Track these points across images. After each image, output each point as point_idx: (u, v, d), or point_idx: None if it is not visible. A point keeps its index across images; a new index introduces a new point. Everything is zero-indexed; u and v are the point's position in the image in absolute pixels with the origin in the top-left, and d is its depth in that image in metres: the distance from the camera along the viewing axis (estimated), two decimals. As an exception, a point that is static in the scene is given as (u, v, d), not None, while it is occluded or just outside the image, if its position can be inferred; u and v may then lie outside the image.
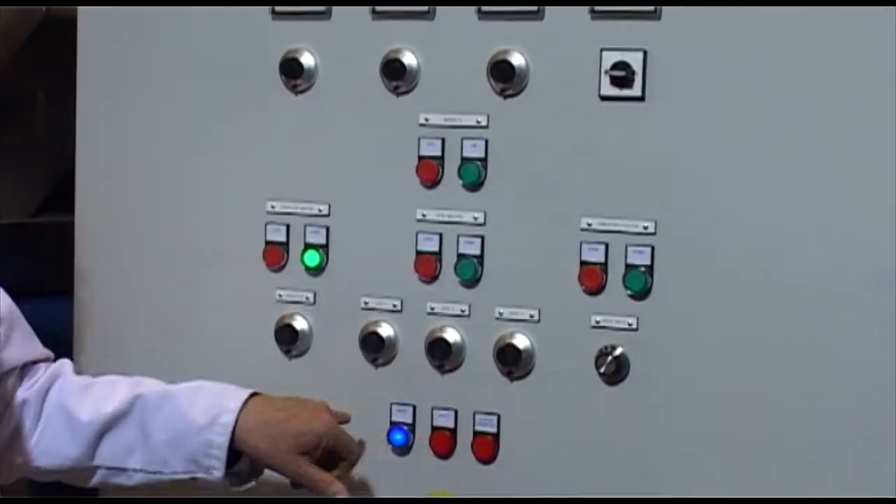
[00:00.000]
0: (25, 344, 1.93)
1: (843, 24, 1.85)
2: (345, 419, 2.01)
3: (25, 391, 1.93)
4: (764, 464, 1.91)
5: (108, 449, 1.93)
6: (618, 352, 1.97)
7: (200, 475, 1.91)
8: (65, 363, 1.99)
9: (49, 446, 1.93)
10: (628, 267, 1.96)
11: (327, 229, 2.12)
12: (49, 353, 1.98)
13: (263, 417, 1.91)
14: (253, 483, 1.97)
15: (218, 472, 1.90)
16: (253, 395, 1.93)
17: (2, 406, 1.91)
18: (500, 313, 2.03)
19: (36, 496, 2.49)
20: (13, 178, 2.69)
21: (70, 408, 1.93)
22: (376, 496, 2.12)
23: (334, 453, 1.95)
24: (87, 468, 1.94)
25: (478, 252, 2.04)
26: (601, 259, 1.98)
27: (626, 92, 1.95)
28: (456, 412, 2.07)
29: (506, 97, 2.02)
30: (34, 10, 2.53)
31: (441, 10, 2.03)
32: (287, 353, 2.15)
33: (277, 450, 1.90)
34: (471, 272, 2.04)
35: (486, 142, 2.03)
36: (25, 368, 1.95)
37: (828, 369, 1.88)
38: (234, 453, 1.91)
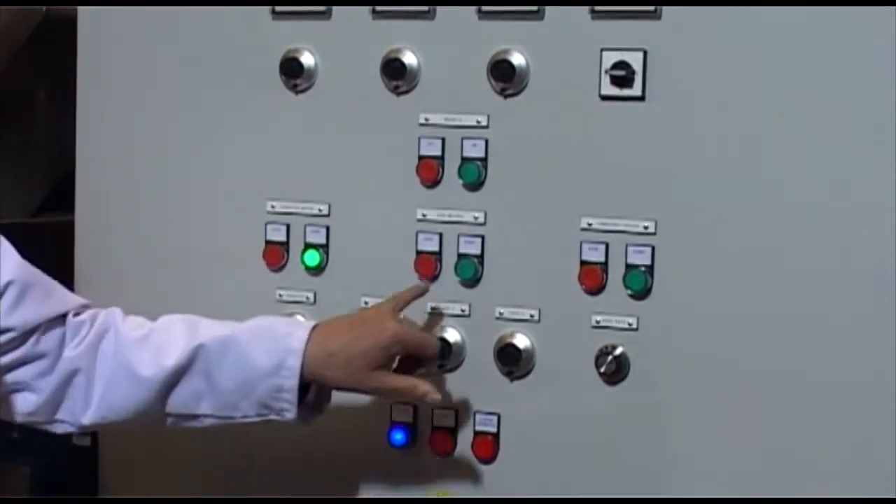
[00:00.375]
0: (45, 302, 1.88)
1: (844, 24, 1.85)
2: (419, 293, 2.00)
3: (73, 350, 1.90)
4: (764, 464, 1.91)
5: (177, 398, 1.91)
6: (618, 351, 1.97)
7: (273, 417, 1.91)
8: (113, 314, 1.94)
9: (115, 403, 1.90)
10: (628, 267, 1.96)
11: (327, 229, 2.12)
12: (83, 302, 1.93)
13: (327, 349, 1.89)
14: (322, 413, 1.96)
15: (290, 414, 1.90)
16: (314, 327, 1.92)
17: (46, 363, 1.88)
18: (501, 313, 2.03)
19: (36, 496, 2.49)
20: (13, 178, 2.69)
21: (131, 363, 1.89)
22: (377, 496, 2.12)
23: (412, 355, 1.95)
24: (158, 416, 1.92)
25: (478, 252, 2.04)
26: (601, 259, 1.98)
27: (626, 92, 1.95)
28: (456, 412, 2.07)
29: (506, 97, 2.02)
30: (34, 10, 2.53)
31: (441, 10, 2.03)
32: (288, 352, 2.14)
33: (350, 374, 1.89)
34: (471, 272, 2.04)
35: (487, 141, 2.03)
36: (68, 324, 1.90)
37: (828, 369, 1.88)
38: (303, 387, 1.91)
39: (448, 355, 2.05)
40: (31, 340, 1.86)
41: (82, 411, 1.90)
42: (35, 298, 1.86)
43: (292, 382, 1.88)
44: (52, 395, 1.89)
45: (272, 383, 1.88)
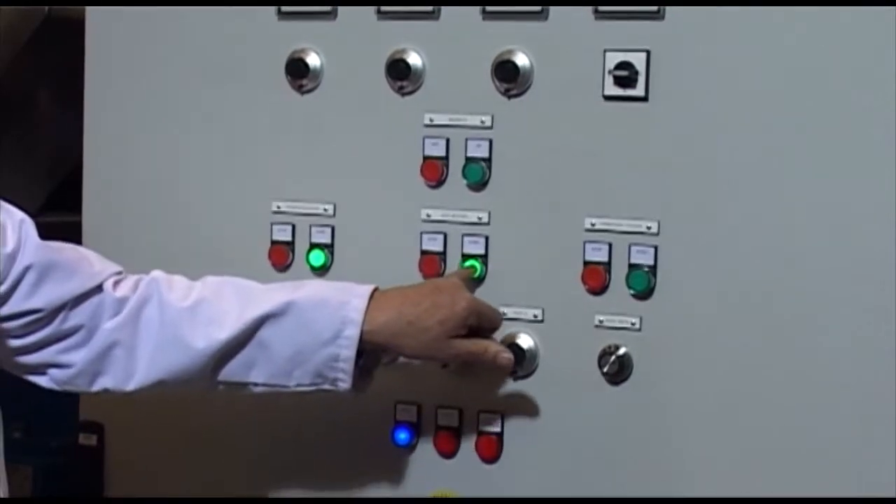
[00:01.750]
0: (67, 281, 1.86)
1: (845, 25, 1.85)
2: (470, 275, 2.02)
3: (111, 322, 1.88)
4: (766, 463, 1.91)
5: (229, 368, 1.90)
6: (621, 351, 1.98)
7: (326, 387, 1.91)
8: (156, 280, 1.92)
9: (165, 369, 1.88)
10: (632, 267, 1.96)
11: (332, 229, 2.12)
12: (112, 271, 1.91)
13: (403, 318, 1.90)
14: (371, 381, 1.96)
15: (345, 384, 1.90)
16: (375, 292, 1.91)
17: (78, 339, 1.87)
18: (504, 313, 2.03)
19: (37, 496, 2.49)
20: (15, 177, 2.68)
21: (181, 334, 1.88)
22: (380, 495, 2.12)
23: (480, 327, 1.96)
24: (209, 382, 1.92)
25: (482, 252, 2.04)
26: (605, 259, 1.98)
27: (629, 92, 1.95)
28: (460, 411, 2.07)
29: (510, 97, 2.02)
30: (36, 9, 2.53)
31: (446, 11, 2.04)
32: (291, 352, 2.14)
33: (427, 343, 1.90)
34: (475, 272, 2.04)
35: (491, 142, 2.03)
36: (106, 296, 1.89)
37: (830, 369, 1.88)
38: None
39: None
40: (59, 318, 1.85)
41: (125, 380, 1.89)
42: (56, 279, 1.85)
43: (349, 353, 1.88)
44: (86, 367, 1.88)
45: (328, 352, 1.88)
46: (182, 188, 2.21)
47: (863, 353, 1.87)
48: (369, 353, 1.94)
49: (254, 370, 1.90)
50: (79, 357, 1.88)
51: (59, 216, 2.54)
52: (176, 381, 1.90)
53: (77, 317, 1.87)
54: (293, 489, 2.15)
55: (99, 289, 1.89)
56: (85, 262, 1.90)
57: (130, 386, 1.90)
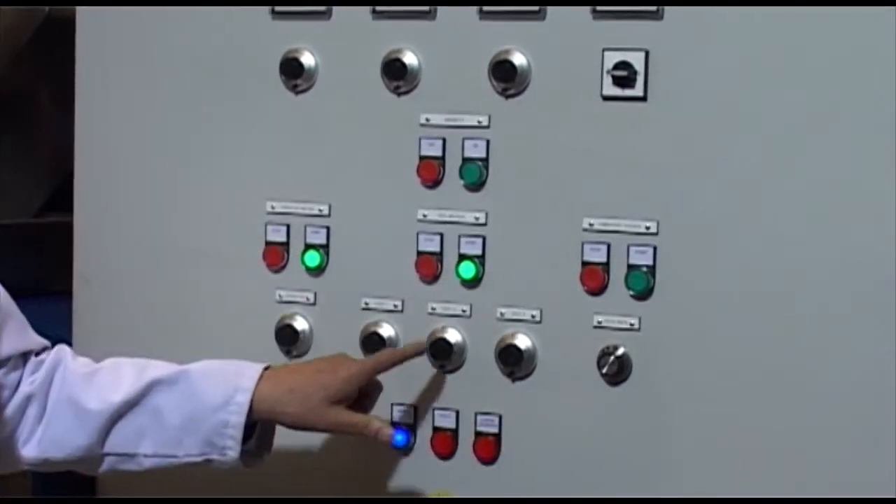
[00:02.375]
0: (20, 335, 1.90)
1: (845, 24, 1.84)
2: (409, 354, 2.02)
3: (29, 385, 1.91)
4: (765, 463, 1.91)
5: (119, 436, 1.91)
6: (620, 352, 1.97)
7: (215, 456, 1.91)
8: (63, 349, 1.96)
9: (57, 437, 1.90)
10: (630, 267, 1.96)
11: (328, 229, 2.12)
12: (46, 343, 1.96)
13: (286, 385, 1.91)
14: (264, 461, 1.97)
15: (233, 453, 1.90)
16: (266, 368, 1.93)
17: (4, 396, 1.88)
18: (502, 313, 2.03)
19: (37, 496, 2.49)
20: (15, 178, 2.69)
21: (76, 398, 1.90)
22: (377, 497, 2.11)
23: (366, 395, 1.97)
24: (97, 456, 1.92)
25: (479, 252, 2.04)
26: (603, 259, 1.98)
27: (627, 92, 1.95)
28: (457, 413, 2.07)
29: (507, 97, 2.01)
30: (36, 10, 2.54)
31: (442, 10, 2.03)
32: (287, 353, 2.15)
33: (309, 409, 1.90)
34: (472, 272, 2.04)
35: (488, 142, 2.03)
36: (28, 360, 1.92)
37: (829, 369, 1.88)
38: (247, 431, 1.91)
39: (449, 356, 2.05)
40: (3, 370, 1.88)
41: (25, 443, 1.90)
42: (13, 330, 1.88)
43: (238, 419, 1.89)
44: (6, 422, 1.89)
45: (218, 419, 1.89)
46: (175, 189, 2.20)
47: (863, 352, 1.86)
48: (262, 433, 1.95)
49: (144, 440, 1.91)
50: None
51: (60, 216, 2.55)
52: (67, 448, 1.90)
53: (10, 376, 1.89)
54: (292, 490, 2.15)
55: (28, 354, 1.92)
56: (27, 324, 1.93)
57: (28, 451, 1.90)
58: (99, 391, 1.91)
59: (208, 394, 1.90)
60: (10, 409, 1.90)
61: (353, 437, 1.96)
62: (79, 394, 1.91)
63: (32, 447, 1.91)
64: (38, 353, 1.94)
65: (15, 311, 1.90)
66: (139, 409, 1.90)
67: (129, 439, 1.91)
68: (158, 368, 1.93)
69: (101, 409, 1.90)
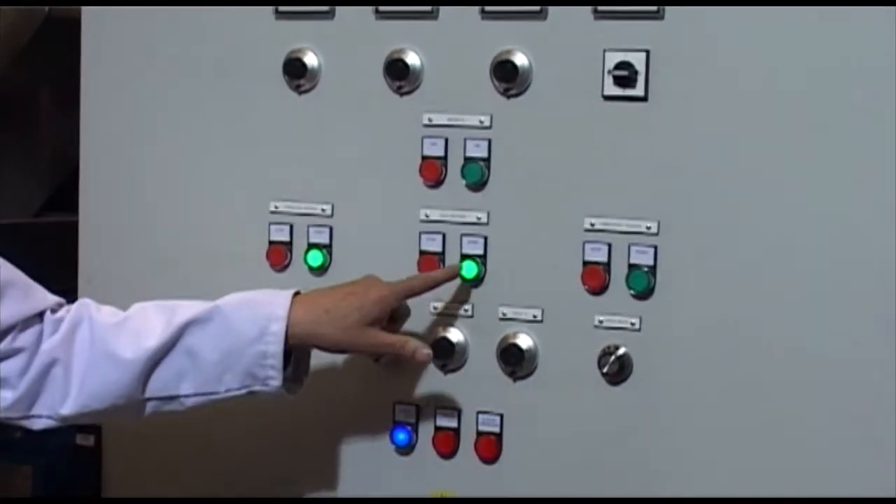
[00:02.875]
0: (24, 300, 1.88)
1: (845, 24, 1.85)
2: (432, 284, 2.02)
3: (49, 343, 1.89)
4: (766, 463, 1.91)
5: (158, 380, 1.90)
6: (621, 352, 1.97)
7: (257, 388, 1.91)
8: (85, 303, 1.94)
9: (95, 390, 1.89)
10: (631, 267, 1.96)
11: (330, 229, 2.12)
12: (61, 300, 1.93)
13: (320, 307, 1.91)
14: (303, 385, 1.97)
15: (275, 382, 1.90)
16: (296, 294, 1.93)
17: (22, 360, 1.87)
18: (504, 313, 2.03)
19: (37, 496, 2.49)
20: (16, 177, 2.69)
21: (110, 349, 1.89)
22: (379, 496, 2.11)
23: (399, 317, 1.99)
24: (138, 402, 1.91)
25: (481, 252, 2.04)
26: (604, 259, 1.98)
27: (628, 92, 1.95)
28: (459, 412, 2.07)
29: (509, 97, 2.02)
30: (37, 10, 2.54)
31: (444, 10, 2.03)
32: (290, 352, 2.14)
33: (345, 330, 1.91)
34: (474, 272, 2.04)
35: (490, 142, 2.03)
36: (45, 320, 1.90)
37: (830, 369, 1.88)
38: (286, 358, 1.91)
39: (451, 355, 2.05)
40: (9, 338, 1.86)
41: (61, 402, 1.90)
42: (14, 297, 1.86)
43: (276, 348, 1.89)
44: (28, 389, 1.88)
45: (256, 350, 1.89)
46: (179, 188, 2.20)
47: (863, 352, 1.86)
48: (297, 357, 1.95)
49: (183, 381, 1.91)
50: (21, 379, 1.87)
51: (60, 216, 2.55)
52: (107, 398, 1.90)
53: (23, 338, 1.88)
54: (292, 489, 2.15)
55: (43, 314, 1.90)
56: (35, 286, 1.91)
57: (66, 409, 1.90)
58: (132, 339, 1.90)
59: (243, 326, 1.89)
60: (32, 374, 1.88)
61: (390, 357, 2.00)
62: (111, 344, 1.89)
63: (70, 404, 1.89)
64: (55, 311, 1.92)
65: (17, 278, 1.88)
66: (175, 352, 1.90)
67: (169, 382, 1.90)
68: (189, 308, 1.92)
69: (136, 357, 1.88)
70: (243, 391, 1.91)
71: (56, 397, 1.89)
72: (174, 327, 1.90)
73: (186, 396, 1.92)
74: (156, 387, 1.91)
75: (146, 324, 1.91)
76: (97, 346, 1.90)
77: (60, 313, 1.92)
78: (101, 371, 1.89)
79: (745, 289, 1.91)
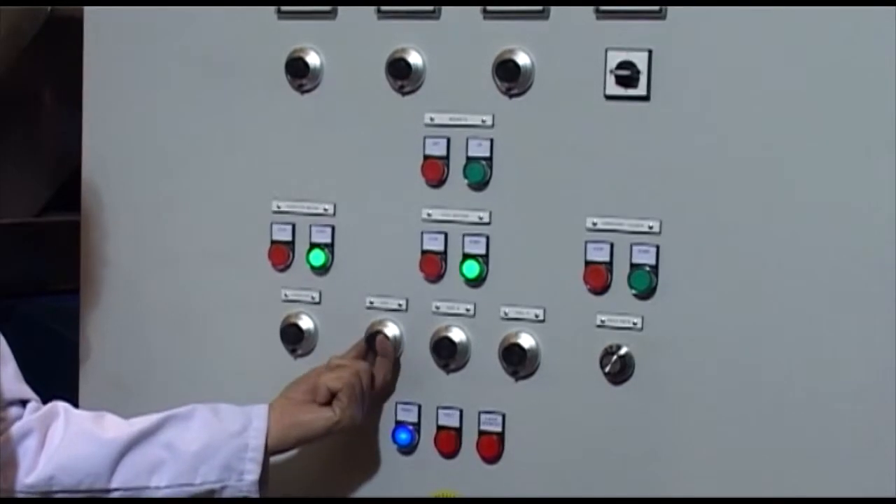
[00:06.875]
0: (19, 382, 1.92)
1: (847, 25, 1.85)
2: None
3: (27, 421, 1.91)
4: (766, 463, 1.91)
5: (130, 469, 1.92)
6: (623, 351, 1.97)
7: (232, 482, 1.93)
8: (58, 403, 1.96)
9: (67, 462, 1.89)
10: (633, 266, 1.96)
11: (333, 229, 2.12)
12: (36, 397, 1.96)
13: (294, 405, 1.98)
14: (267, 489, 1.99)
15: (252, 476, 1.93)
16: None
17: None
18: (506, 313, 2.03)
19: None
20: (18, 177, 2.69)
21: (89, 429, 1.92)
22: (381, 496, 2.12)
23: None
24: (102, 490, 1.91)
25: (483, 251, 2.04)
26: (606, 258, 1.98)
27: (631, 91, 1.95)
28: (461, 411, 2.07)
29: (511, 96, 2.02)
30: (39, 9, 2.54)
31: (446, 10, 2.04)
32: (292, 352, 2.15)
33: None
34: (476, 271, 2.04)
35: (492, 141, 2.03)
36: (26, 407, 1.93)
37: (831, 369, 1.88)
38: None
39: (453, 355, 2.05)
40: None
41: (28, 472, 1.89)
42: (12, 377, 1.91)
43: (258, 442, 1.93)
44: None
45: (238, 443, 1.93)
46: (181, 188, 2.20)
47: (863, 352, 1.86)
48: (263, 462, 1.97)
49: (159, 472, 1.92)
50: None
51: (63, 216, 2.55)
52: (75, 473, 1.89)
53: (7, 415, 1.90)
54: (293, 489, 2.15)
55: (27, 402, 1.93)
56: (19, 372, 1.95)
57: (31, 478, 1.89)
58: (112, 424, 1.94)
59: (225, 421, 1.94)
60: (5, 438, 1.89)
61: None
62: (91, 427, 1.93)
63: (36, 473, 1.89)
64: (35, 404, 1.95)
65: (11, 358, 1.92)
66: (153, 441, 1.92)
67: (141, 473, 1.92)
68: (165, 412, 1.96)
69: (117, 437, 1.91)
70: (217, 485, 1.93)
71: (25, 466, 1.89)
72: (156, 418, 1.94)
73: (157, 488, 1.92)
74: (127, 476, 1.91)
75: (125, 421, 1.94)
76: (73, 427, 1.92)
77: (36, 405, 1.95)
78: (78, 445, 1.91)
79: (747, 288, 1.91)
